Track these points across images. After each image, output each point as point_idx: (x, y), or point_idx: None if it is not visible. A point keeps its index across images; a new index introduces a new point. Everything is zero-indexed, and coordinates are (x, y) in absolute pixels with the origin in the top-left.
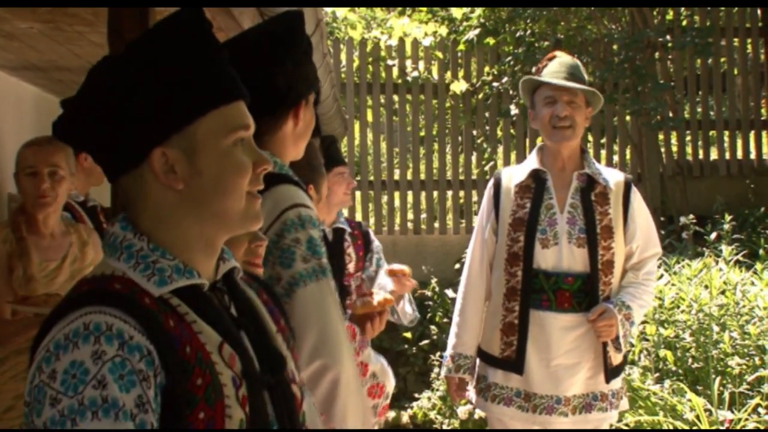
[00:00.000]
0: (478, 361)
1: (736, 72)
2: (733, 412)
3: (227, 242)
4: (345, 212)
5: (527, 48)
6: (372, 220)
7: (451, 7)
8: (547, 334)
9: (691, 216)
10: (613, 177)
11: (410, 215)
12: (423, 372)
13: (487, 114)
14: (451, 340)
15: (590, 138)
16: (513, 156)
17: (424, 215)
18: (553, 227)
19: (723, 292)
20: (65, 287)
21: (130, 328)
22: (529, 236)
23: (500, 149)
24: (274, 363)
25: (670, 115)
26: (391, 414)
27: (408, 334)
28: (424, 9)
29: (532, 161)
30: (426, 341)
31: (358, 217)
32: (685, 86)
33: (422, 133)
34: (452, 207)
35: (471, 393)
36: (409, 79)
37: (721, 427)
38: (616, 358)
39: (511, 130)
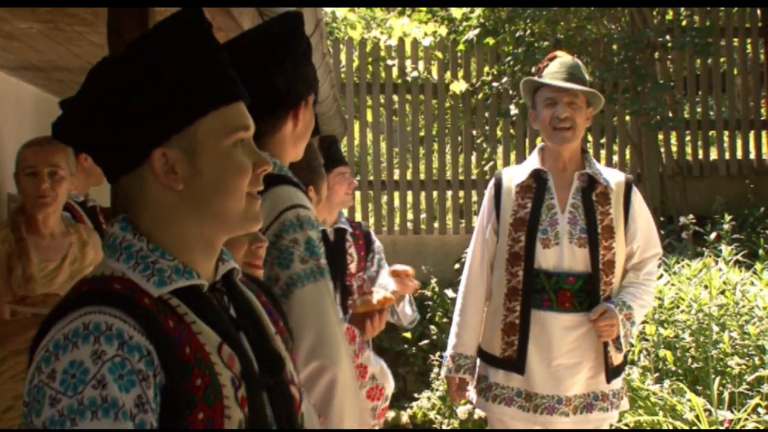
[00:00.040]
0: (478, 361)
1: (735, 72)
2: (732, 412)
3: (227, 243)
4: (345, 212)
5: (527, 48)
6: (372, 220)
7: (451, 7)
8: (548, 333)
9: (691, 216)
10: (614, 177)
11: (410, 215)
12: (422, 372)
13: (486, 114)
14: (452, 340)
15: (590, 138)
16: (513, 156)
17: (423, 215)
18: (554, 227)
19: (723, 292)
20: (65, 287)
21: (129, 328)
22: (530, 236)
23: (500, 149)
24: (273, 364)
25: (670, 115)
26: (391, 414)
27: (407, 334)
28: (424, 9)
29: (533, 161)
30: (425, 341)
31: (358, 217)
32: (685, 86)
33: (422, 133)
34: (452, 207)
35: (471, 393)
36: (408, 79)
37: (721, 427)
38: (616, 358)
39: (511, 130)
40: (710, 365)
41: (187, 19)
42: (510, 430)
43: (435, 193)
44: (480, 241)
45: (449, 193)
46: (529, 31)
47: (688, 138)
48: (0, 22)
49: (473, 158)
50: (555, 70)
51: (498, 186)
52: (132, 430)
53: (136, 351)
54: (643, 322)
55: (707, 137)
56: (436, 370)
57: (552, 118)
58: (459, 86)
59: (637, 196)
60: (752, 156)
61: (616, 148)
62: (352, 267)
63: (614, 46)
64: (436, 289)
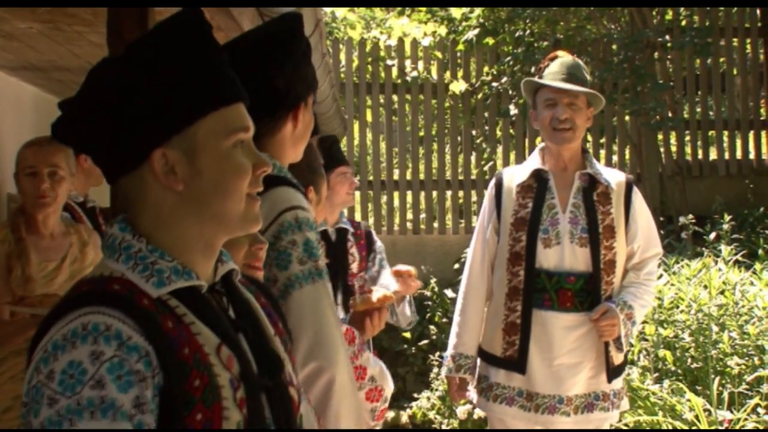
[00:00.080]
0: (479, 361)
1: (735, 72)
2: (732, 412)
3: (227, 245)
4: (345, 212)
5: (526, 48)
6: (371, 220)
7: (451, 7)
8: (549, 333)
9: (691, 216)
10: (615, 177)
11: (409, 215)
12: (422, 372)
13: (486, 114)
14: (452, 340)
15: (589, 138)
16: (512, 156)
17: (423, 215)
18: (555, 227)
19: (722, 292)
20: (64, 287)
21: (128, 328)
22: (531, 236)
23: (499, 149)
24: (271, 366)
25: (670, 115)
26: (391, 414)
27: (407, 335)
28: (424, 9)
29: (534, 161)
30: (425, 341)
31: (358, 217)
32: (685, 86)
33: (421, 133)
34: (451, 207)
35: (472, 393)
36: (408, 79)
37: (721, 427)
38: (617, 358)
39: (511, 130)
40: (710, 365)
41: (187, 20)
42: (510, 430)
43: (435, 193)
44: (481, 240)
45: (449, 193)
46: (528, 31)
47: (687, 138)
48: (0, 22)
49: (473, 158)
50: (555, 70)
51: (499, 186)
52: (130, 430)
53: (135, 352)
54: (643, 322)
55: (707, 137)
56: (435, 370)
57: (552, 119)
58: (458, 86)
59: (637, 196)
60: (752, 156)
61: (615, 148)
62: (354, 267)
63: (614, 46)
64: (436, 289)
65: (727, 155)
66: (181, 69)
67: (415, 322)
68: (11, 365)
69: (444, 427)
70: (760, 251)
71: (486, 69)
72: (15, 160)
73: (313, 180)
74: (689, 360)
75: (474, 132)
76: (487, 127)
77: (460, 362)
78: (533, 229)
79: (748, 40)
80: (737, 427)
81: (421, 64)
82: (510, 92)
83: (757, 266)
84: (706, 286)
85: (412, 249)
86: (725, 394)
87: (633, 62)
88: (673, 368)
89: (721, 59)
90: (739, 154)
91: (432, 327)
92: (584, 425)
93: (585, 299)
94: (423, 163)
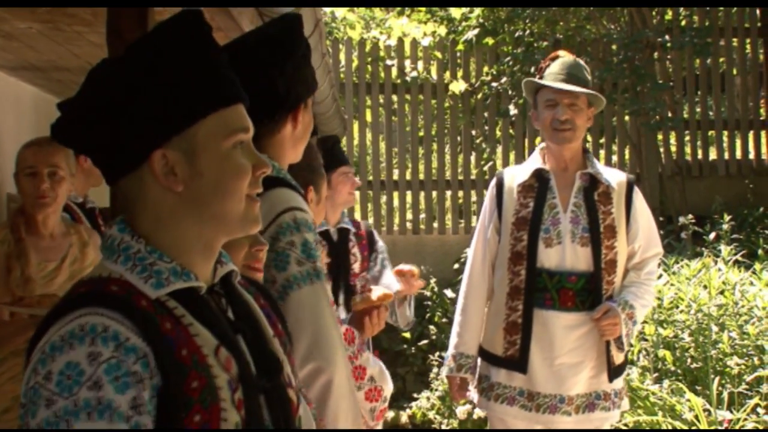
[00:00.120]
0: (479, 360)
1: (735, 72)
2: (732, 412)
3: (228, 246)
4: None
5: (526, 48)
6: (371, 220)
7: (450, 7)
8: (550, 332)
9: (690, 216)
10: (616, 177)
11: (409, 215)
12: (422, 372)
13: (486, 114)
14: (453, 340)
15: (589, 138)
16: (512, 156)
17: (423, 215)
18: (557, 226)
19: (722, 292)
20: (64, 288)
21: (126, 330)
22: (532, 235)
23: (499, 149)
24: (270, 367)
25: (669, 115)
26: (390, 414)
27: (407, 335)
28: (423, 9)
29: (535, 161)
30: (425, 341)
31: (357, 217)
32: (684, 86)
33: (421, 133)
34: (451, 207)
35: (473, 393)
36: (408, 79)
37: (720, 427)
38: (618, 357)
39: (510, 130)
40: (709, 365)
41: (187, 22)
42: (509, 430)
43: (434, 193)
44: (481, 240)
45: (448, 193)
46: (528, 31)
47: (687, 138)
48: (0, 21)
49: (472, 158)
50: (556, 71)
51: (500, 185)
52: (127, 431)
53: (132, 353)
54: (643, 322)
55: (706, 137)
56: (435, 370)
57: (553, 119)
58: (458, 86)
59: (638, 196)
60: (751, 156)
61: (615, 148)
62: (356, 267)
63: (613, 46)
64: (436, 289)
65: (726, 155)
66: (181, 70)
67: (413, 322)
68: (11, 366)
69: (444, 427)
70: (760, 251)
71: (486, 69)
72: (15, 161)
73: (313, 180)
74: (689, 360)
75: (474, 132)
76: (486, 127)
77: (461, 362)
78: (534, 228)
79: (748, 40)
80: (737, 427)
81: (420, 64)
82: (510, 92)
83: (757, 266)
84: (705, 286)
85: (411, 249)
86: (725, 394)
87: (633, 62)
88: (672, 368)
89: (721, 59)
90: (738, 154)
91: (432, 327)
92: (585, 425)
93: (586, 299)
94: (423, 163)
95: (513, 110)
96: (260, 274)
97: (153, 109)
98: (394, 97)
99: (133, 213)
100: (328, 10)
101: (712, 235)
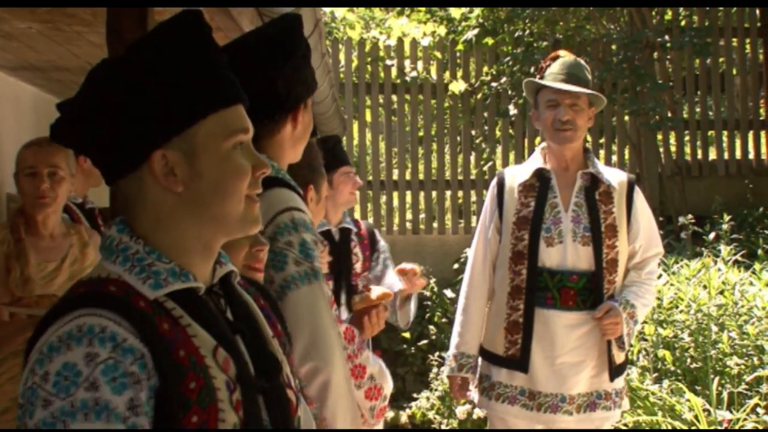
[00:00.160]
0: (480, 360)
1: (734, 72)
2: (731, 412)
3: (228, 246)
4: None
5: (526, 48)
6: (371, 220)
7: (450, 7)
8: (551, 332)
9: (690, 216)
10: (617, 177)
11: (409, 215)
12: (421, 372)
13: (485, 114)
14: (454, 340)
15: (589, 138)
16: (512, 156)
17: (422, 215)
18: (558, 226)
19: (721, 292)
20: (64, 288)
21: (123, 330)
22: (533, 234)
23: (499, 149)
24: (269, 368)
25: (669, 115)
26: (390, 414)
27: (407, 334)
28: (423, 9)
29: (536, 160)
30: (425, 341)
31: (357, 216)
32: (684, 86)
33: (421, 133)
34: (451, 207)
35: (473, 392)
36: (407, 79)
37: (720, 427)
38: (619, 357)
39: (510, 130)
40: (709, 365)
41: (187, 22)
42: (509, 430)
43: (434, 193)
44: (482, 240)
45: (448, 193)
46: (528, 31)
47: (687, 138)
48: None
49: (472, 158)
50: (556, 71)
51: (500, 185)
52: (124, 431)
53: (130, 354)
54: (642, 322)
55: (706, 137)
56: (435, 370)
57: (554, 120)
58: (458, 86)
59: (639, 196)
60: (751, 156)
61: (615, 148)
62: (358, 267)
63: (613, 46)
64: (435, 289)
65: (726, 155)
66: (181, 70)
67: (410, 323)
68: (10, 366)
69: (443, 427)
70: (760, 251)
71: (485, 69)
72: (15, 161)
73: (313, 179)
74: (689, 360)
75: (473, 132)
76: (486, 127)
77: (462, 362)
78: (536, 227)
79: (748, 40)
80: (737, 427)
81: (420, 64)
82: (509, 92)
83: (757, 266)
84: (705, 286)
85: (411, 249)
86: (725, 394)
87: (632, 62)
88: (672, 368)
89: (721, 59)
90: (738, 154)
91: (431, 327)
92: (587, 424)
93: (587, 298)
94: (422, 163)
95: (513, 110)
96: (261, 275)
97: (153, 109)
98: (394, 97)
99: (133, 213)
100: (327, 10)
101: (712, 235)
